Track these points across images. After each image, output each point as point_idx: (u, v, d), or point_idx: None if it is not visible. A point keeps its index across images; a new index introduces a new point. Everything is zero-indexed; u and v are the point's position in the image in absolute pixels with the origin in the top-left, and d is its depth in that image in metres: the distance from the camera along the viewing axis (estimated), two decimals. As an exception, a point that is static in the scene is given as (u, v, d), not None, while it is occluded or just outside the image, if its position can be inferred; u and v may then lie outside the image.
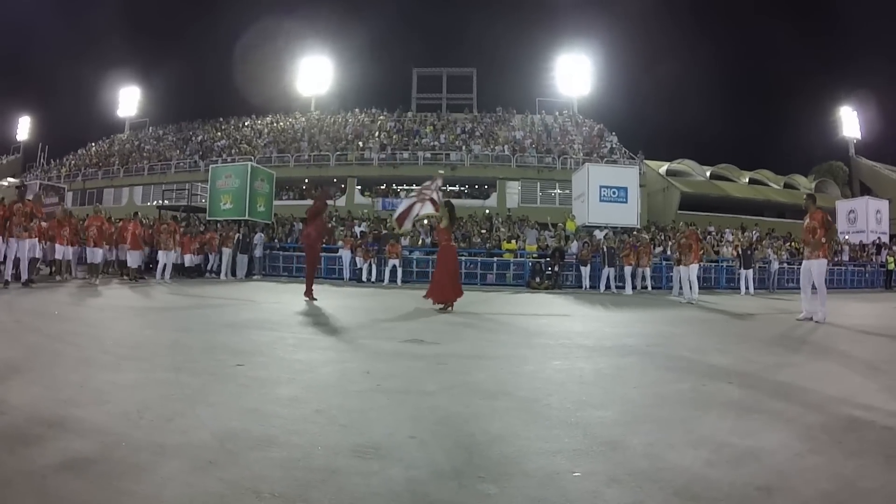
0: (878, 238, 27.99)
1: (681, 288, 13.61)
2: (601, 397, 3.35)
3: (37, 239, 12.33)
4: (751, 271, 18.08)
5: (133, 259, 15.07)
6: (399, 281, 18.44)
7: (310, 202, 12.92)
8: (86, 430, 2.44)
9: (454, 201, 11.00)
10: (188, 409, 2.83)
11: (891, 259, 24.25)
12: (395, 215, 10.91)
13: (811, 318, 8.28)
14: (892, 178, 44.30)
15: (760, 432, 2.69)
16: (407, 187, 36.06)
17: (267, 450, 2.27)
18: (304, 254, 16.19)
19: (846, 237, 27.18)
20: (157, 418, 2.65)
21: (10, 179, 36.95)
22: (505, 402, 3.19)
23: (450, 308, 9.10)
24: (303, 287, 10.40)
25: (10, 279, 11.26)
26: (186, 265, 17.69)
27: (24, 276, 11.28)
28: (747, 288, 17.74)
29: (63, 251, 14.05)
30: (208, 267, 19.11)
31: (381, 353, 4.86)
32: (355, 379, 3.70)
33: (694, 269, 13.06)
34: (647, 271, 18.12)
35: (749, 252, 18.51)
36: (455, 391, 3.42)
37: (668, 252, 19.48)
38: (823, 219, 8.83)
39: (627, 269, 17.33)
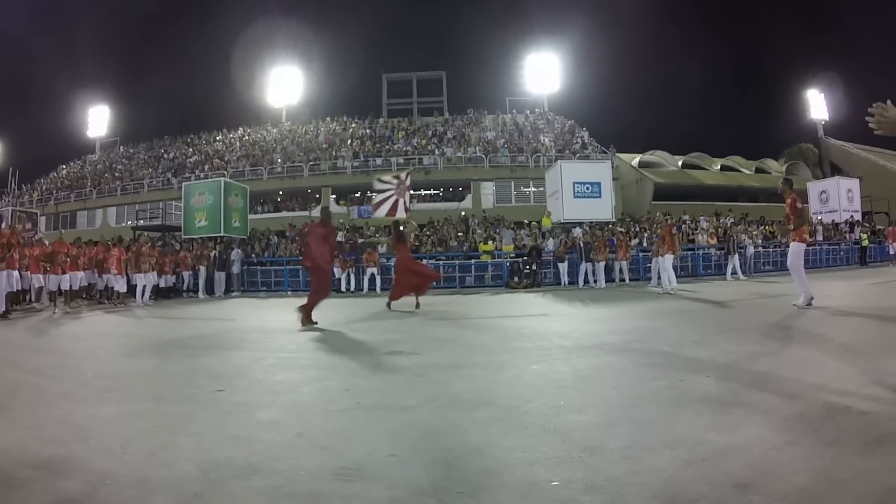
0: (851, 216, 28.52)
1: (659, 278, 13.79)
2: (579, 401, 3.38)
3: (16, 269, 12.13)
4: (738, 256, 18.27)
5: (119, 284, 15.07)
6: (378, 289, 18.35)
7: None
8: (71, 469, 2.43)
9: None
10: (171, 441, 2.83)
11: (864, 236, 24.68)
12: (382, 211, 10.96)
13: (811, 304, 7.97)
14: (860, 156, 45.04)
15: (737, 427, 2.72)
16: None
17: (250, 478, 2.28)
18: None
19: (819, 217, 27.58)
20: (140, 452, 2.65)
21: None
22: (484, 411, 3.21)
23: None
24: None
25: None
26: (163, 286, 17.49)
27: (2, 308, 11.08)
28: (735, 273, 17.91)
29: (37, 279, 13.82)
30: (185, 286, 18.93)
31: (361, 368, 4.85)
32: (335, 397, 3.71)
33: (669, 259, 13.20)
34: (625, 264, 18.28)
35: (736, 238, 18.79)
36: (434, 404, 3.44)
37: (645, 244, 19.71)
38: (792, 203, 8.86)
39: (600, 265, 17.54)
